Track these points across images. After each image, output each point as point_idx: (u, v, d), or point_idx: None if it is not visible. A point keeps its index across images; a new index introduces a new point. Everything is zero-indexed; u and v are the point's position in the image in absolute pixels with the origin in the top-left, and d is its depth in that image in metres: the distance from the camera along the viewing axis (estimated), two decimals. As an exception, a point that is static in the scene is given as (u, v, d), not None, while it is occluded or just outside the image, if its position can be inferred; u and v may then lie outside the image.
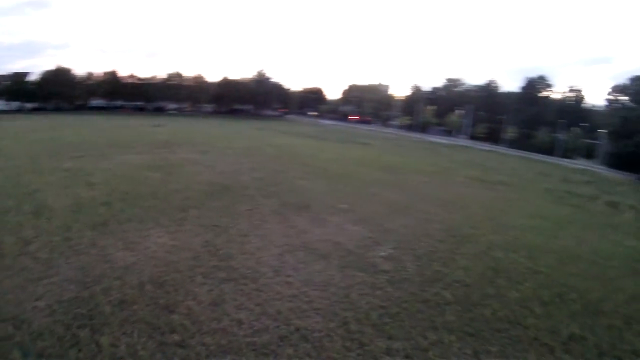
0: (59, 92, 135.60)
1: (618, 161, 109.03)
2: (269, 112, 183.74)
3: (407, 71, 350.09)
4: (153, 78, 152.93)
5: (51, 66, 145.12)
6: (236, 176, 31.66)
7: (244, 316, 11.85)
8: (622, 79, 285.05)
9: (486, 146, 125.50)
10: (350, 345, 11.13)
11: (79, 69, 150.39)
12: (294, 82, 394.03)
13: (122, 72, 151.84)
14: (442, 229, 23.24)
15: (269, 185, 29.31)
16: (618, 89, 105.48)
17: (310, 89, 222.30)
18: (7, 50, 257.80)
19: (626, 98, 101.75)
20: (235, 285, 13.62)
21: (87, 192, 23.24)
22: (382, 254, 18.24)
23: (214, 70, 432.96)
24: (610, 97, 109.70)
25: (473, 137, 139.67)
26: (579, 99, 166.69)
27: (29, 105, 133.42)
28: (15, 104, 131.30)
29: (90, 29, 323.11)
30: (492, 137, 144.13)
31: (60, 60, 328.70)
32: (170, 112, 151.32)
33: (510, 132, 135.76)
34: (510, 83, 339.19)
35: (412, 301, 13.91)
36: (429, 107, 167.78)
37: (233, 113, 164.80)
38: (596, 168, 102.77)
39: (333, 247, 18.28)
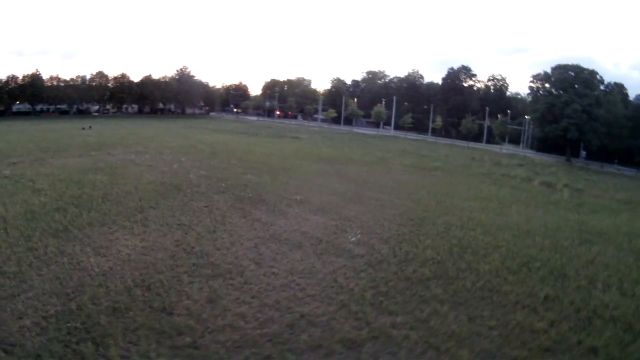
0: None
1: (544, 145, 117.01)
2: (193, 111, 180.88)
3: (327, 64, 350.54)
4: (76, 79, 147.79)
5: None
6: (182, 175, 31.21)
7: (245, 310, 11.75)
8: (540, 67, 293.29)
9: (414, 136, 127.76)
10: (358, 324, 11.40)
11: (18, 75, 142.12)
12: (217, 78, 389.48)
13: (44, 74, 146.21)
14: (398, 214, 24.38)
15: (218, 182, 29.22)
16: (540, 77, 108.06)
17: (233, 85, 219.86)
18: None
19: (548, 86, 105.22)
20: (223, 281, 13.44)
21: (36, 198, 22.05)
22: (352, 239, 18.77)
23: (137, 69, 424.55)
24: (533, 85, 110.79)
25: (399, 128, 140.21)
26: (502, 87, 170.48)
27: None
28: None
29: (3, 30, 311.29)
30: (419, 127, 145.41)
31: None
32: (94, 114, 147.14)
33: (437, 122, 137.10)
34: (432, 74, 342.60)
35: (396, 280, 14.52)
36: (353, 100, 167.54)
37: (157, 113, 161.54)
38: (523, 152, 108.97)
39: (303, 237, 18.63)
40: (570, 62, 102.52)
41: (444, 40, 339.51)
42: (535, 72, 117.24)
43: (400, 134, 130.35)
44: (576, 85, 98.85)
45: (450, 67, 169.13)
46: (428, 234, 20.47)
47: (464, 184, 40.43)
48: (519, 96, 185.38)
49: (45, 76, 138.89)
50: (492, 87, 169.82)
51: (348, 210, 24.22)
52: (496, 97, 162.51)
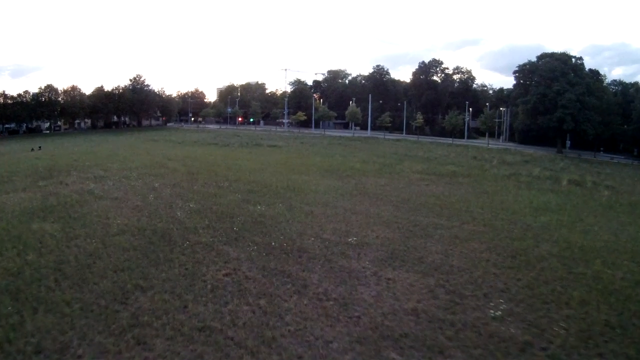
0: None
1: (525, 137, 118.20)
2: (150, 122, 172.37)
3: (279, 67, 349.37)
4: (24, 95, 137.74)
5: None
6: (164, 211, 22.71)
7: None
8: (490, 59, 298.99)
9: (393, 136, 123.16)
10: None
11: None
12: (172, 86, 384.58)
13: None
14: (487, 249, 18.76)
15: (219, 220, 20.91)
16: (527, 68, 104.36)
17: (189, 92, 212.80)
18: None
19: (536, 76, 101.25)
20: None
21: None
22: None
23: (89, 81, 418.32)
24: (517, 75, 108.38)
25: (375, 128, 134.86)
26: (468, 80, 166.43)
27: None
28: None
29: None
30: (394, 125, 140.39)
31: None
32: (45, 132, 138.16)
33: (419, 119, 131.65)
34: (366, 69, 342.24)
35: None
36: (319, 101, 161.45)
37: (111, 127, 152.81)
38: (508, 146, 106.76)
39: (419, 327, 11.30)
40: (520, 51, 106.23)
41: (390, 36, 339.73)
42: (485, 64, 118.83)
43: (377, 134, 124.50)
44: (565, 75, 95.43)
45: (421, 61, 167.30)
46: (569, 282, 15.03)
47: (504, 193, 34.27)
48: (485, 88, 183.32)
49: None
50: (457, 81, 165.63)
51: (428, 253, 17.20)
52: (462, 90, 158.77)
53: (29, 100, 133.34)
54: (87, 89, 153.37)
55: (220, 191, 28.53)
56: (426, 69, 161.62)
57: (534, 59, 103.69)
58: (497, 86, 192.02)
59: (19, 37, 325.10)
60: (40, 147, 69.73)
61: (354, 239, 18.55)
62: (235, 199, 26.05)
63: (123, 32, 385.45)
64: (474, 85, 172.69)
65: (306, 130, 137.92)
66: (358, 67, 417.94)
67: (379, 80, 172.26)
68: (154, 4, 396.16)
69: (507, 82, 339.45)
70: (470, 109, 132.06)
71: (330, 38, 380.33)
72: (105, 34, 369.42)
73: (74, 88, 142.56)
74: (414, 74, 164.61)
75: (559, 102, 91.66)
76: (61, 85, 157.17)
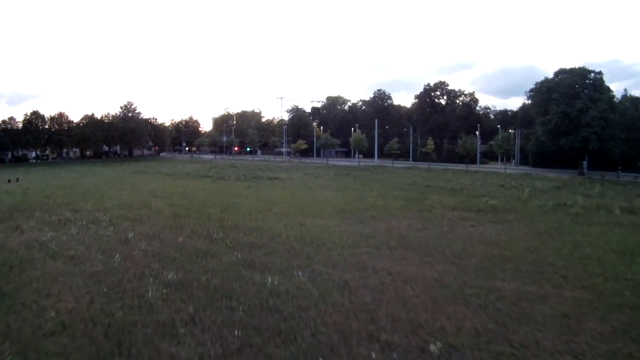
0: None
1: (541, 160, 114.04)
2: (142, 152, 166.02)
3: (274, 95, 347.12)
4: (9, 122, 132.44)
5: None
6: (129, 286, 15.36)
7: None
8: (483, 82, 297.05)
9: (401, 163, 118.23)
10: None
11: None
12: (165, 115, 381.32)
13: None
14: (621, 327, 12.53)
15: (211, 306, 13.52)
16: (544, 86, 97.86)
17: (183, 121, 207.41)
18: None
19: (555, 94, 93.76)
20: None
21: None
22: None
23: (78, 108, 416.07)
24: (533, 95, 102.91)
25: (383, 155, 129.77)
26: (472, 103, 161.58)
27: None
28: None
29: None
30: (401, 152, 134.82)
31: None
32: (32, 161, 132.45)
33: (430, 145, 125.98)
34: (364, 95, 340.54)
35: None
36: (320, 129, 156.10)
37: (101, 157, 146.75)
38: (526, 169, 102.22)
39: None
40: (512, 73, 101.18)
41: (383, 62, 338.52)
42: (479, 88, 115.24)
43: (384, 162, 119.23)
44: (585, 91, 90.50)
45: (426, 83, 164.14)
46: None
47: (566, 232, 27.69)
48: (487, 110, 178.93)
49: None
50: (460, 103, 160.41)
51: (549, 356, 10.81)
52: (466, 114, 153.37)
53: (14, 127, 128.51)
54: (78, 117, 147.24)
55: (212, 247, 20.98)
56: (430, 92, 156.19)
57: (532, 79, 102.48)
58: (493, 109, 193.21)
59: (16, 65, 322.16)
60: (17, 178, 63.39)
61: (437, 345, 11.01)
62: (234, 260, 18.48)
63: (115, 58, 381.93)
64: (477, 108, 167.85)
65: (308, 160, 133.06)
66: (353, 94, 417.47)
67: (381, 105, 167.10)
68: (148, 30, 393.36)
69: (502, 104, 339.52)
70: (477, 132, 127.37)
71: (324, 65, 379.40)
72: (98, 61, 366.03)
73: (61, 115, 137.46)
74: (418, 97, 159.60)
75: (583, 121, 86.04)
76: (51, 112, 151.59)
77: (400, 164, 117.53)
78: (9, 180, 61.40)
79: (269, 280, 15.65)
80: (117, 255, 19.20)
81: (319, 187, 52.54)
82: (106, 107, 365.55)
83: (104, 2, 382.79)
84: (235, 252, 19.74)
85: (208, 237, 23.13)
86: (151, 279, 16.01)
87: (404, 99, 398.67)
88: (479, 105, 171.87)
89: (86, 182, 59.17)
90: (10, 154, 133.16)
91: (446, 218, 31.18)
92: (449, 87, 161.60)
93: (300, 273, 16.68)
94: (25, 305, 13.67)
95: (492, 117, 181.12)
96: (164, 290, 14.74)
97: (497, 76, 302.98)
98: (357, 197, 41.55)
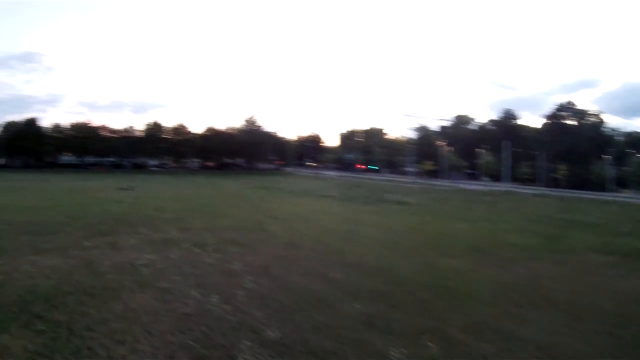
0: (25, 148, 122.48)
1: None
2: (264, 166, 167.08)
3: (401, 111, 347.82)
4: (129, 130, 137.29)
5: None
6: (222, 341, 12.36)
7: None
8: (606, 101, 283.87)
9: (531, 189, 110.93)
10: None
11: (65, 124, 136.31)
12: (288, 130, 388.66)
13: (96, 124, 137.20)
14: None
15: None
16: None
17: (306, 136, 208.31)
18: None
19: None
20: None
21: None
22: None
23: (197, 120, 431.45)
24: None
25: (516, 180, 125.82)
26: (596, 124, 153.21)
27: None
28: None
29: (79, 83, 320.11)
30: (533, 177, 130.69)
31: (50, 115, 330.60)
32: (151, 168, 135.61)
33: (562, 171, 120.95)
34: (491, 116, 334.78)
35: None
36: (448, 149, 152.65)
37: (223, 168, 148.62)
38: None
39: None
40: (636, 91, 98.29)
41: (504, 79, 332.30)
42: (602, 106, 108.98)
43: (512, 186, 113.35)
44: None
45: (556, 103, 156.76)
46: None
47: None
48: (614, 132, 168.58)
49: (96, 126, 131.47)
50: (588, 124, 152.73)
51: None
52: (594, 135, 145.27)
53: (134, 136, 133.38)
54: (198, 129, 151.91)
55: (328, 290, 17.32)
56: (558, 112, 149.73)
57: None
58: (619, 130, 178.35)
59: (144, 75, 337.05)
60: (131, 186, 64.68)
61: None
62: (351, 313, 14.88)
63: (237, 74, 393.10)
64: (603, 129, 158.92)
65: (434, 182, 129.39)
66: (474, 112, 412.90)
67: (509, 125, 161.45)
68: (272, 49, 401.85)
69: (625, 124, 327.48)
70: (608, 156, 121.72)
71: (444, 83, 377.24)
72: (222, 76, 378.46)
73: (181, 126, 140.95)
74: (548, 117, 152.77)
75: None
76: (173, 122, 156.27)
77: (528, 189, 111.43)
78: (123, 188, 61.77)
79: (393, 351, 12.05)
80: (215, 294, 16.21)
81: (448, 215, 48.37)
82: (227, 121, 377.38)
83: (228, 20, 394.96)
84: (354, 302, 16.06)
85: (324, 276, 19.51)
86: (248, 333, 12.89)
87: (527, 118, 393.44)
88: (604, 125, 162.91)
89: (202, 195, 58.35)
90: (130, 160, 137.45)
91: (591, 264, 25.83)
92: (577, 107, 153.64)
93: (431, 342, 12.94)
94: (92, 351, 11.25)
95: (619, 138, 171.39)
96: (260, 351, 11.68)
97: (618, 95, 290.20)
98: (488, 231, 37.27)
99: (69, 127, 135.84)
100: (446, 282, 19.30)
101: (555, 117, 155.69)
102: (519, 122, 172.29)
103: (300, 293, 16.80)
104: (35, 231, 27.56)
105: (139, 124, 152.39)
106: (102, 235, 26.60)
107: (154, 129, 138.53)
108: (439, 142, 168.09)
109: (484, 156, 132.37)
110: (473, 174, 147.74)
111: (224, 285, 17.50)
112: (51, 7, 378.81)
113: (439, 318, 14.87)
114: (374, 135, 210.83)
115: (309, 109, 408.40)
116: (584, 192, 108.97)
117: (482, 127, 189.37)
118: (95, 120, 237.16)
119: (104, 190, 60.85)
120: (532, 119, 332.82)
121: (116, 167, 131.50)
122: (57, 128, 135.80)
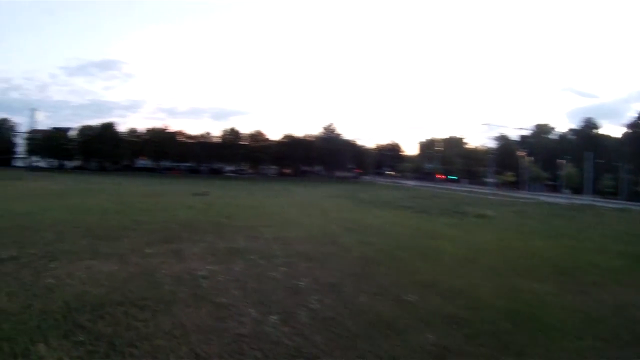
0: (101, 151, 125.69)
1: None
2: (342, 174, 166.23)
3: (479, 120, 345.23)
4: (205, 136, 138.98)
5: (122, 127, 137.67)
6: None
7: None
8: None
9: (613, 203, 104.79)
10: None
11: (142, 129, 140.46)
12: (367, 138, 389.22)
13: (172, 129, 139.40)
14: None
15: None
16: None
17: (385, 145, 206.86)
18: (76, 110, 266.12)
19: None
20: None
21: None
22: None
23: (275, 127, 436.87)
24: None
25: (598, 193, 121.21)
26: None
27: (69, 163, 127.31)
28: (55, 162, 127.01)
29: (159, 89, 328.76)
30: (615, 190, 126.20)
31: (130, 120, 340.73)
32: (229, 174, 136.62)
33: None
34: (568, 125, 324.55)
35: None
36: (528, 159, 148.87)
37: (300, 175, 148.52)
38: None
39: None
40: None
41: (582, 86, 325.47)
42: None
43: (594, 199, 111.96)
44: None
45: (637, 112, 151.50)
46: None
47: None
48: None
49: (173, 131, 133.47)
50: None
51: None
52: None
53: (211, 141, 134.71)
54: (275, 136, 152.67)
55: (400, 315, 15.57)
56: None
57: None
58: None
59: (224, 82, 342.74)
60: (206, 192, 64.29)
61: None
62: (423, 344, 13.11)
63: (317, 83, 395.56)
64: None
65: (514, 193, 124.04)
66: (553, 120, 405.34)
67: (590, 135, 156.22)
68: (358, 58, 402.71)
69: None
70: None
71: (522, 91, 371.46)
72: (294, 84, 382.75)
73: (259, 133, 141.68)
74: (629, 126, 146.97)
75: None
76: (251, 129, 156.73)
77: (611, 203, 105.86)
78: (197, 194, 61.34)
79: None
80: (276, 314, 14.91)
81: (528, 230, 45.32)
82: (305, 128, 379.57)
83: (309, 28, 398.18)
84: (427, 330, 14.28)
85: (396, 297, 17.68)
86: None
87: (606, 127, 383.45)
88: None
89: (276, 203, 57.65)
90: (207, 166, 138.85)
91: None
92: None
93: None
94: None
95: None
96: None
97: None
98: (571, 249, 34.26)
99: (145, 131, 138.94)
100: (528, 308, 17.36)
101: (636, 127, 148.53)
102: (599, 131, 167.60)
103: (368, 316, 15.27)
104: (98, 234, 27.16)
105: (218, 131, 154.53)
106: (166, 242, 25.94)
107: (231, 135, 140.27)
108: (519, 152, 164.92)
109: (565, 167, 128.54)
110: (554, 186, 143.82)
111: (287, 303, 16.20)
112: (131, 17, 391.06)
113: (519, 354, 13.17)
114: (454, 144, 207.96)
115: (389, 118, 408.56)
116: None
117: (563, 137, 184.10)
118: (174, 125, 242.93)
119: (178, 195, 60.77)
120: (612, 128, 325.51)
121: (193, 172, 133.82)
122: (133, 132, 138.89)
